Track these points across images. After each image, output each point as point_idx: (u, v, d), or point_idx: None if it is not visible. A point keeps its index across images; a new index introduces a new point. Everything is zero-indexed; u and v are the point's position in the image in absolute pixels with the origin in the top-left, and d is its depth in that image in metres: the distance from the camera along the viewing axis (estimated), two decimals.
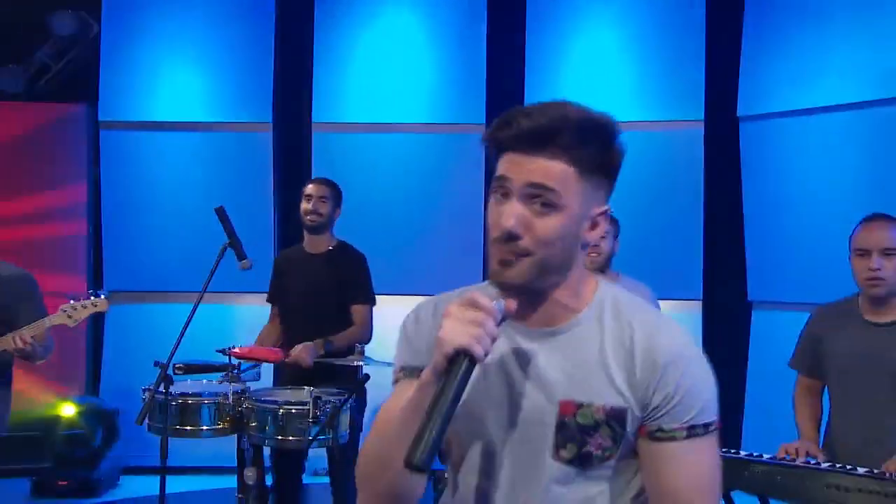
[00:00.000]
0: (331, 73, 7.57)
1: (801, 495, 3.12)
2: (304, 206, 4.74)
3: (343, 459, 4.55)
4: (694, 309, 7.21)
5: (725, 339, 7.27)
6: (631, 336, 1.61)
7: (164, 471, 4.14)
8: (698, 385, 1.60)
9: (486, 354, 1.49)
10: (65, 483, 6.59)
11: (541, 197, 1.55)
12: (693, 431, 1.58)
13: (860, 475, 2.98)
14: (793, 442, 3.33)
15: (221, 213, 4.21)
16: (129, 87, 7.61)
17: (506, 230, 1.55)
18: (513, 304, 1.55)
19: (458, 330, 1.48)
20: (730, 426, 6.83)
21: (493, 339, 1.50)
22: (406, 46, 7.57)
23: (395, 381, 1.74)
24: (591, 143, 1.57)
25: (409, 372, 1.71)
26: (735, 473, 3.19)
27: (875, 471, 3.02)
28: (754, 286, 7.19)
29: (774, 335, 6.54)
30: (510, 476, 1.65)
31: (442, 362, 1.48)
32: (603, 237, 4.01)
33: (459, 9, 7.54)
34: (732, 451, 3.28)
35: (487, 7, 7.49)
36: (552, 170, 1.54)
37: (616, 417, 1.59)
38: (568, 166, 1.55)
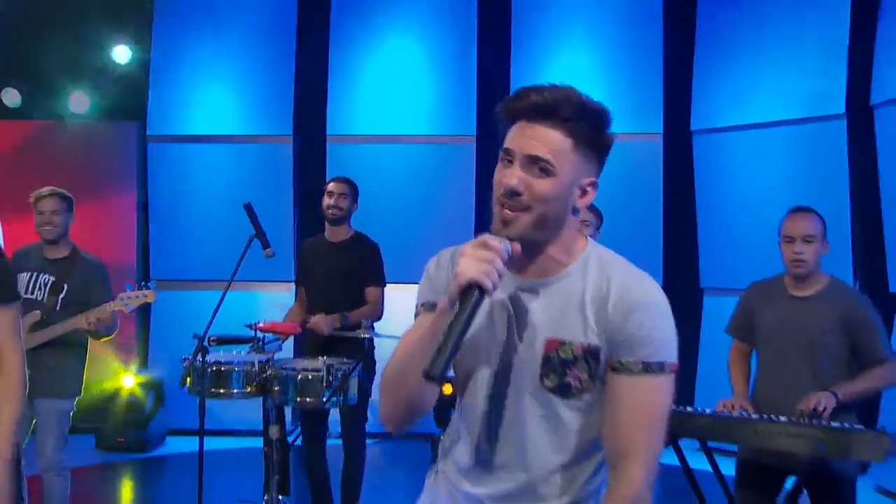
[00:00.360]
0: (343, 92, 7.59)
1: (736, 439, 3.22)
2: (327, 201, 4.71)
3: (353, 418, 4.60)
4: None
5: (680, 320, 7.26)
6: (608, 285, 1.63)
7: (202, 431, 4.16)
8: (658, 329, 1.62)
9: (494, 287, 1.53)
10: (122, 440, 6.72)
11: (538, 164, 1.59)
12: (648, 367, 1.60)
13: (781, 422, 3.07)
14: (728, 399, 3.39)
15: (249, 209, 4.19)
16: (172, 107, 7.66)
17: (510, 187, 1.59)
18: (518, 246, 1.60)
19: (471, 266, 1.53)
20: (685, 390, 6.91)
21: (501, 276, 1.54)
22: (408, 69, 7.59)
23: (416, 315, 1.78)
24: (587, 120, 1.61)
25: (428, 307, 1.75)
26: (683, 424, 3.26)
27: (793, 418, 3.11)
28: (705, 275, 7.26)
29: (722, 316, 6.60)
30: (506, 397, 1.69)
31: (456, 292, 1.54)
32: (587, 225, 4.02)
33: (454, 36, 7.57)
34: (683, 407, 3.35)
35: (478, 35, 7.53)
36: (551, 138, 1.59)
37: (591, 354, 1.62)
38: (565, 137, 1.60)
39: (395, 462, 6.38)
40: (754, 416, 3.19)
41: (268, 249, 4.24)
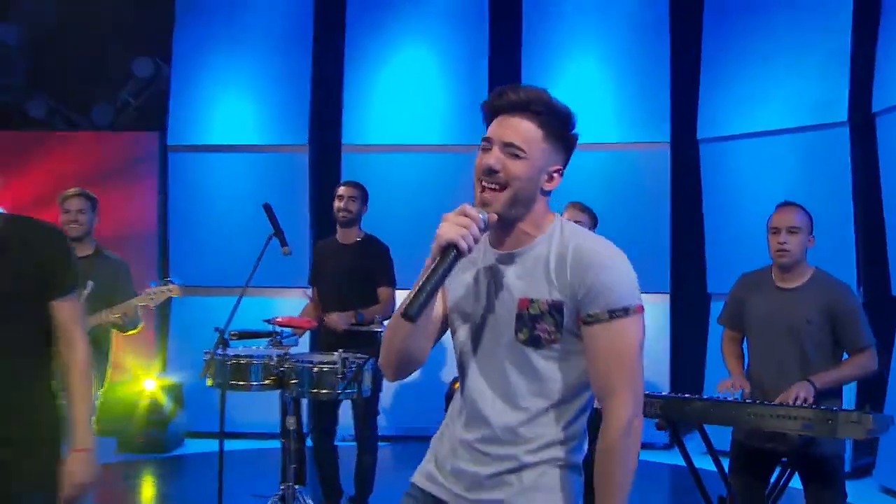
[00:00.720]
0: (357, 102, 7.81)
1: (730, 421, 3.39)
2: (337, 204, 4.94)
3: (367, 410, 4.79)
4: (663, 300, 7.43)
5: (689, 324, 7.48)
6: (567, 249, 1.89)
7: (222, 424, 4.26)
8: (614, 280, 1.85)
9: (469, 249, 1.80)
10: (142, 441, 6.92)
11: (513, 148, 1.87)
12: (614, 313, 1.84)
13: (772, 405, 3.25)
14: (727, 379, 3.58)
15: (268, 209, 4.38)
16: (192, 117, 7.91)
17: (489, 165, 1.88)
18: (494, 216, 1.87)
19: (450, 229, 1.80)
20: (694, 390, 6.98)
21: (476, 240, 1.82)
22: (421, 79, 7.80)
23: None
24: (555, 116, 1.91)
25: None
26: (681, 409, 3.44)
27: (782, 402, 3.29)
28: (712, 280, 7.40)
29: None
30: (489, 352, 1.95)
31: (437, 251, 1.81)
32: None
33: (466, 48, 7.79)
34: (680, 394, 3.54)
35: (489, 46, 7.74)
36: (525, 127, 1.89)
37: (556, 308, 1.87)
38: (537, 128, 1.89)
39: (407, 464, 6.53)
40: (747, 400, 3.38)
41: (285, 248, 4.43)
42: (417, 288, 1.77)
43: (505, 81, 7.85)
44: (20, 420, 2.47)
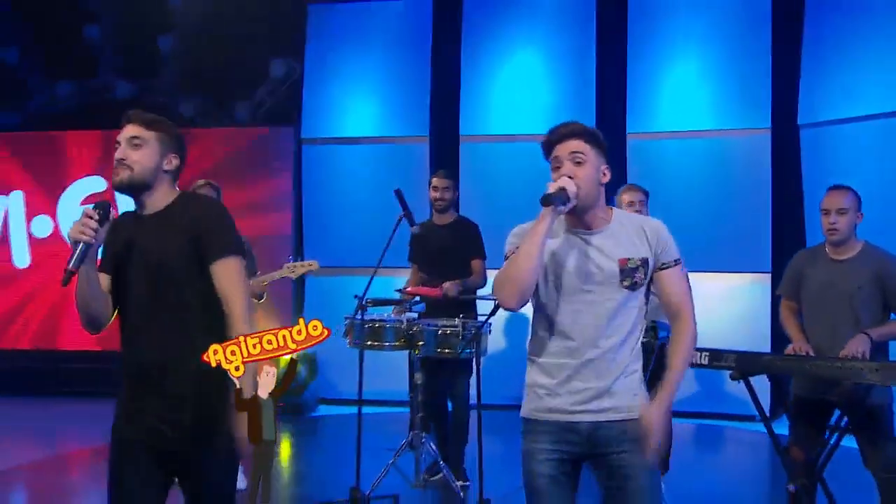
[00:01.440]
0: (474, 96, 8.55)
1: (794, 372, 4.03)
2: (433, 194, 5.68)
3: (466, 371, 5.40)
4: (764, 280, 7.86)
5: None
6: (641, 225, 2.77)
7: (360, 380, 5.01)
8: (671, 242, 2.76)
9: (570, 195, 2.59)
10: (282, 405, 7.82)
11: (576, 157, 2.68)
12: (676, 262, 2.75)
13: (829, 358, 3.86)
14: (792, 345, 4.14)
15: (399, 194, 5.20)
16: (323, 113, 8.84)
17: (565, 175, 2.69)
18: (574, 185, 2.64)
19: (559, 181, 2.62)
20: None
21: (571, 197, 2.60)
22: (532, 77, 8.46)
23: (507, 256, 2.76)
24: (591, 135, 2.74)
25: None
26: (753, 363, 4.05)
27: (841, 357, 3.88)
28: None
29: None
30: (589, 296, 2.69)
31: (555, 189, 2.60)
32: (643, 204, 4.87)
33: (573, 49, 8.40)
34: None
35: (596, 46, 8.32)
36: (576, 143, 2.71)
37: (644, 262, 2.72)
38: (584, 143, 2.71)
39: (494, 429, 7.12)
40: (810, 354, 3.98)
41: (414, 227, 5.25)
42: (549, 198, 2.58)
43: (610, 80, 8.38)
44: (187, 378, 2.63)
